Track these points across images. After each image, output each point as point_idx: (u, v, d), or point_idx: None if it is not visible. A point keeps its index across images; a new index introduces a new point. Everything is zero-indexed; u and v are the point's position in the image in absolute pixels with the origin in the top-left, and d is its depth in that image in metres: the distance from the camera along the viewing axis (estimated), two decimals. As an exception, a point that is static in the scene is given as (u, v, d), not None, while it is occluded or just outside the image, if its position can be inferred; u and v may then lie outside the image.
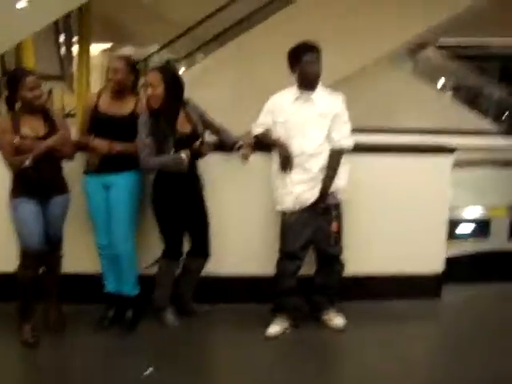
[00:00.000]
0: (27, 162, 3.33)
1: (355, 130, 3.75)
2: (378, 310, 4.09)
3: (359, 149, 3.75)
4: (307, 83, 3.58)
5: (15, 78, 3.47)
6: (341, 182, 3.64)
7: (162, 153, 3.51)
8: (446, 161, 4.16)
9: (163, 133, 3.51)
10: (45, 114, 3.50)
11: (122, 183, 3.68)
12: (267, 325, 3.76)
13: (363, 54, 6.27)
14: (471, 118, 7.68)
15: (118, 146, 3.60)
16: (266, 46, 6.15)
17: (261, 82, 5.42)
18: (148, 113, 3.54)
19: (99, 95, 3.74)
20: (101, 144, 3.59)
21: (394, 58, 7.37)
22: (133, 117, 3.62)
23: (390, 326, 3.95)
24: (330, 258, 3.78)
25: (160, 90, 3.48)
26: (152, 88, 3.49)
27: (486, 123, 7.63)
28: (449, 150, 4.19)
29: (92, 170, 3.67)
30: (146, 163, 3.53)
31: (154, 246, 3.81)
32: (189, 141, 3.57)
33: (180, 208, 3.67)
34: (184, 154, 3.50)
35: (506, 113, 8.31)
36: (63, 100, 9.48)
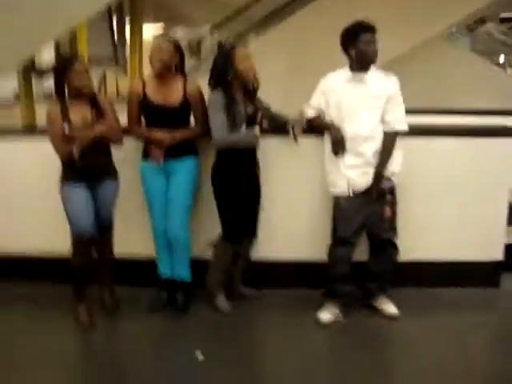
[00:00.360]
0: (75, 151, 3.38)
1: (410, 112, 3.63)
2: (432, 297, 3.98)
3: (414, 131, 3.62)
4: (363, 64, 3.48)
5: (64, 64, 3.50)
6: (395, 165, 3.53)
7: (234, 129, 3.53)
8: (506, 143, 3.96)
9: (239, 109, 3.54)
10: (92, 100, 3.52)
11: (183, 170, 3.69)
12: (317, 311, 3.72)
13: (418, 32, 6.06)
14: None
15: (179, 135, 3.61)
16: (317, 26, 6.02)
17: (312, 63, 5.31)
18: (241, 87, 3.59)
19: (144, 82, 3.69)
20: (163, 136, 3.58)
21: (451, 35, 7.08)
22: (185, 104, 3.62)
23: (445, 314, 3.83)
24: (384, 244, 3.69)
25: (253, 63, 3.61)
26: (250, 61, 3.57)
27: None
28: (508, 132, 3.99)
29: (156, 163, 3.65)
30: (222, 140, 3.55)
31: (207, 231, 3.84)
32: (252, 119, 3.63)
33: (241, 190, 3.67)
34: (257, 131, 3.60)
35: None
36: (117, 84, 9.60)
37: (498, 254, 4.09)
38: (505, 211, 4.05)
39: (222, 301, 3.86)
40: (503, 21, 9.34)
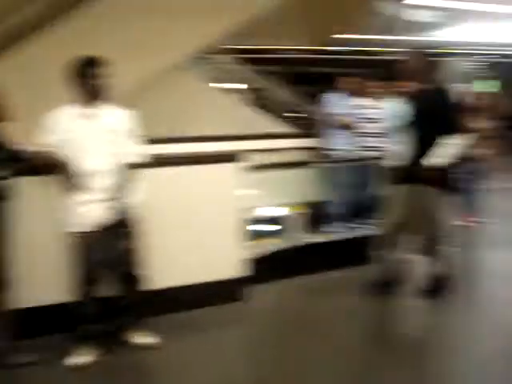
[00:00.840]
0: None
1: (148, 142, 3.70)
2: (186, 320, 4.07)
3: (151, 162, 3.69)
4: (93, 98, 3.46)
5: None
6: (135, 197, 3.54)
7: None
8: (232, 168, 4.29)
9: None
10: None
11: None
12: (71, 354, 3.52)
13: (152, 63, 6.18)
14: (267, 122, 8.00)
15: None
16: (48, 58, 5.76)
17: (41, 97, 5.05)
18: None
19: None
20: None
21: (187, 65, 7.38)
22: None
23: (199, 335, 3.93)
24: (128, 276, 3.66)
25: None
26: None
27: (280, 126, 7.99)
28: (230, 158, 4.31)
29: None
30: None
31: None
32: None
33: None
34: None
35: (296, 115, 8.88)
36: None
37: (237, 271, 4.36)
38: (235, 231, 4.35)
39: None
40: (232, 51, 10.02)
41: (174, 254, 4.09)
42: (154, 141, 4.27)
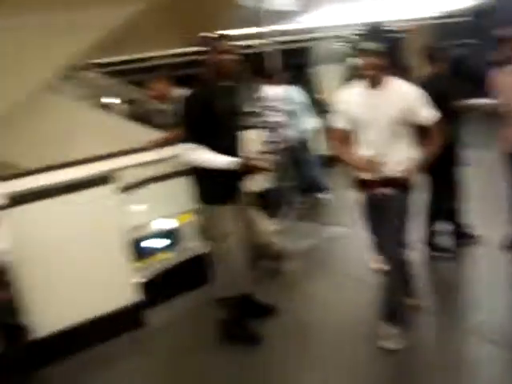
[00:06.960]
0: None
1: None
2: (91, 357, 3.81)
3: (14, 201, 3.40)
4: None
5: None
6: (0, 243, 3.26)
7: None
8: (104, 191, 4.01)
9: None
10: None
11: None
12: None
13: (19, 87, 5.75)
14: (142, 134, 7.67)
15: None
16: None
17: None
18: None
19: None
20: None
21: (54, 84, 6.94)
22: None
23: (108, 372, 3.67)
24: (10, 328, 3.37)
25: None
26: None
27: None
28: (103, 180, 4.04)
29: None
30: None
31: None
32: None
33: None
34: None
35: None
36: None
37: (132, 296, 4.14)
38: (122, 255, 4.11)
39: None
40: (100, 66, 9.66)
41: (61, 293, 3.80)
42: (20, 174, 3.90)
